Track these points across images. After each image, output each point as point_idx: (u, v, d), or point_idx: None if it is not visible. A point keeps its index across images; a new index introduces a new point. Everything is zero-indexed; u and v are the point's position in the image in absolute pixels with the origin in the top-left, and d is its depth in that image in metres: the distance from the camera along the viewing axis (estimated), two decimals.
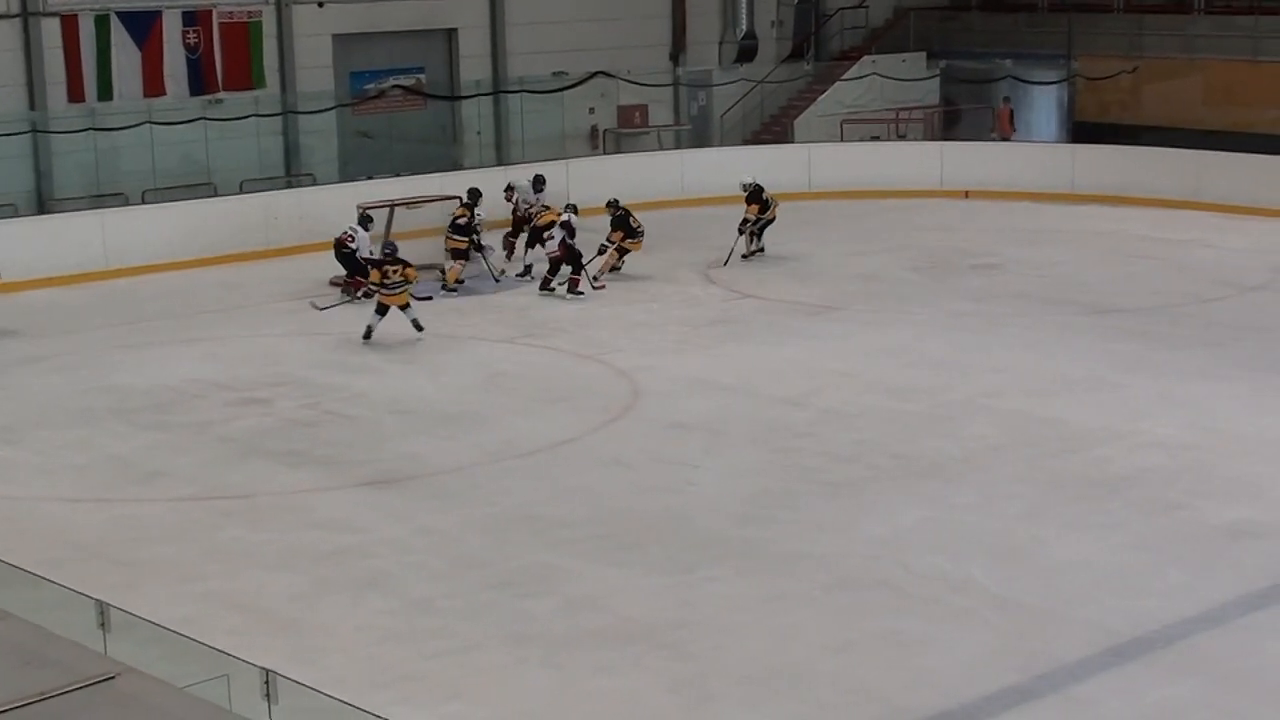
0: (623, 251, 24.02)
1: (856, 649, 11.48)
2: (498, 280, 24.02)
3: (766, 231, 25.70)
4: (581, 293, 22.94)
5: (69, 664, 7.19)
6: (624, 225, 24.00)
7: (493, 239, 24.84)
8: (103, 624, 8.38)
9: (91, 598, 8.65)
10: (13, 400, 18.45)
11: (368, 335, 20.44)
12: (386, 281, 20.42)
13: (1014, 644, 11.45)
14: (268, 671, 7.52)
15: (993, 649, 11.41)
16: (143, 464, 16.03)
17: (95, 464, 16.11)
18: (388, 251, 20.88)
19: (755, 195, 25.41)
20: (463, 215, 23.77)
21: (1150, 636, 11.57)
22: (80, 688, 6.93)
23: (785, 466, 15.55)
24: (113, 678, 7.01)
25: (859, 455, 15.72)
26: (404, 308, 20.50)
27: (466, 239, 23.67)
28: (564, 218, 23.16)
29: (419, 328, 20.47)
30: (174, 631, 8.71)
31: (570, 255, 22.96)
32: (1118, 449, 15.80)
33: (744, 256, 25.32)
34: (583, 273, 23.01)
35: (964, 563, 12.86)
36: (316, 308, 21.81)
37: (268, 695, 7.48)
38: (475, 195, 24.10)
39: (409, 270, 20.53)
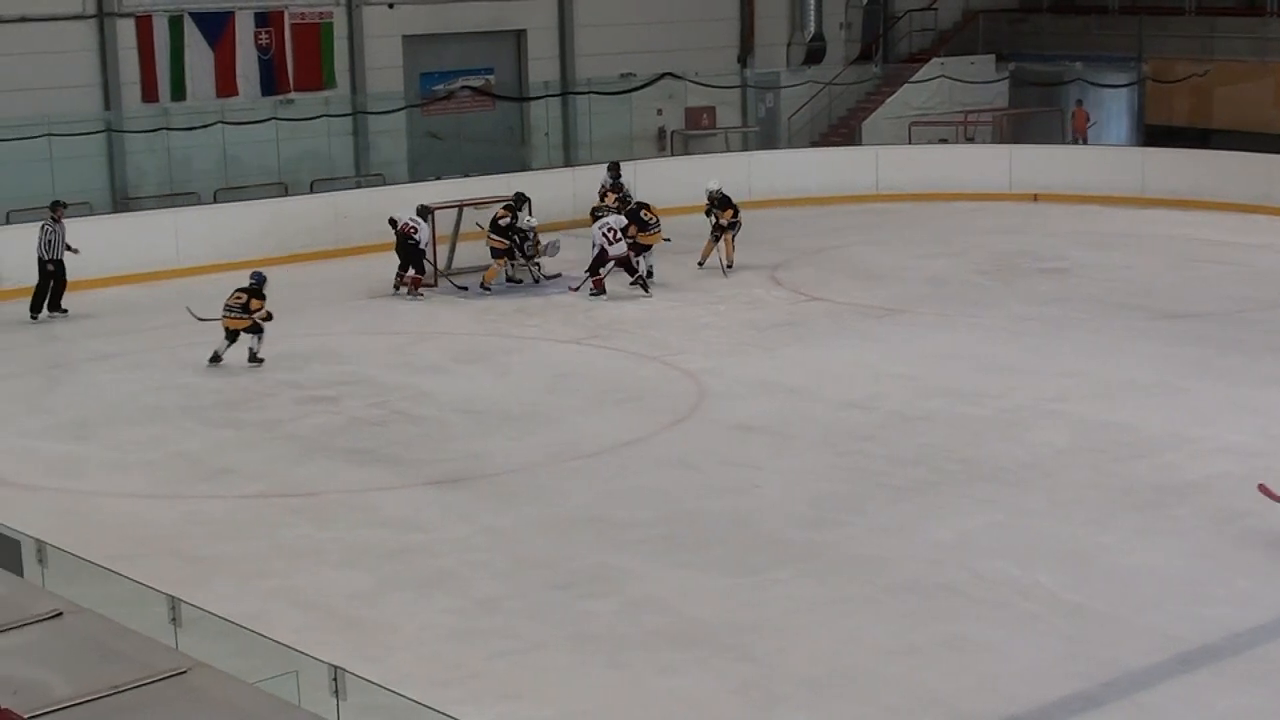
0: (638, 249, 23.61)
1: (921, 653, 11.45)
2: (536, 281, 24.08)
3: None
4: (649, 291, 23.22)
5: (141, 658, 7.26)
6: (635, 219, 23.78)
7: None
8: (174, 619, 8.46)
9: (163, 592, 8.75)
10: (85, 396, 18.69)
11: (215, 360, 19.51)
12: (227, 304, 19.55)
13: (1080, 650, 11.39)
14: (336, 668, 7.58)
15: (1059, 655, 11.35)
16: (212, 461, 16.19)
17: (166, 460, 16.29)
18: (253, 282, 19.74)
19: (727, 201, 24.79)
20: (504, 216, 23.87)
21: (1218, 644, 11.48)
22: (152, 682, 6.99)
23: (850, 469, 15.53)
24: (184, 672, 7.07)
25: (925, 459, 15.67)
26: (249, 331, 19.50)
27: (505, 239, 23.78)
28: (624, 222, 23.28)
29: (252, 358, 19.52)
30: (244, 627, 8.79)
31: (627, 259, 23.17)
32: (1186, 455, 15.68)
33: (700, 264, 24.87)
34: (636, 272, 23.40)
35: (1030, 568, 12.81)
36: (194, 315, 20.34)
37: (336, 691, 7.54)
38: (520, 199, 24.18)
39: (255, 302, 19.40)
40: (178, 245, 25.08)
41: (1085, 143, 34.38)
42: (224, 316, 19.53)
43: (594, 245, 23.17)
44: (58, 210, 22.66)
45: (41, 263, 22.41)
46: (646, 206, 24.24)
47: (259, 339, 19.53)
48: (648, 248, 23.88)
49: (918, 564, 13.04)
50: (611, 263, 23.10)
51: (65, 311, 22.55)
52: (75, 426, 17.51)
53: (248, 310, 19.38)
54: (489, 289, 23.80)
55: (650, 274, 23.86)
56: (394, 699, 7.68)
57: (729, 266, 24.58)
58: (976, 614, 12.06)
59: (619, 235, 23.03)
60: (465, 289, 23.54)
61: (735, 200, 25.06)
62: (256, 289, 19.59)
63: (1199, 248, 26.02)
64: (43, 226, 22.49)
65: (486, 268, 24.06)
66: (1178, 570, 12.84)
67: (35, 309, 22.44)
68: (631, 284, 23.34)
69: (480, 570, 13.12)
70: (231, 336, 19.50)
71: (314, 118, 28.97)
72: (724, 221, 24.67)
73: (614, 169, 26.75)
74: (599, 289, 23.22)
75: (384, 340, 21.18)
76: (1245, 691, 10.86)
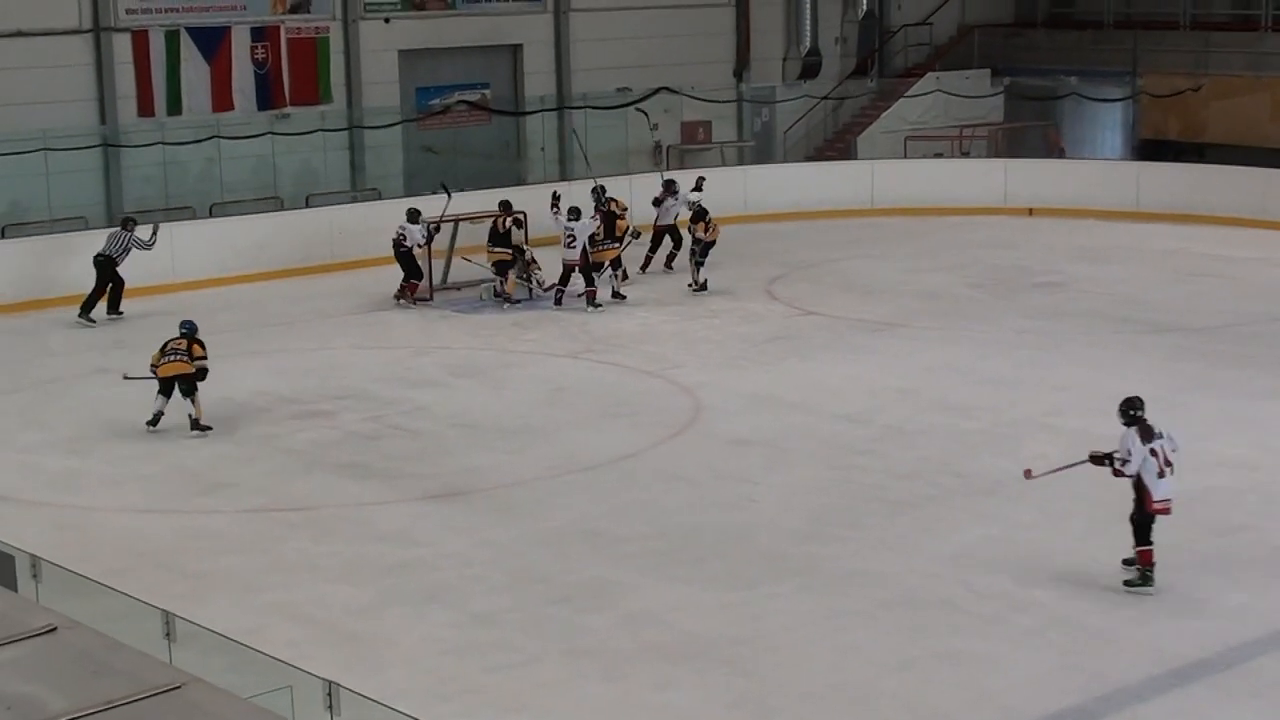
0: (595, 265, 23.51)
1: (917, 667, 11.45)
2: (531, 295, 23.99)
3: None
4: (600, 305, 23.15)
5: (135, 673, 7.25)
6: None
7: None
8: (168, 634, 8.47)
9: (158, 608, 8.76)
10: (83, 411, 18.66)
11: (154, 422, 17.49)
12: (166, 348, 17.53)
13: (1076, 664, 11.41)
14: (331, 683, 7.58)
15: (1054, 669, 11.36)
16: (209, 475, 16.18)
17: (163, 475, 16.28)
18: (185, 330, 17.75)
19: (701, 214, 24.42)
20: (503, 218, 23.78)
21: (1213, 658, 11.49)
22: (146, 697, 6.99)
23: (847, 484, 15.53)
24: (178, 687, 7.07)
25: (921, 473, 15.68)
26: (185, 392, 17.45)
27: (509, 249, 23.75)
28: (591, 228, 23.23)
29: (196, 425, 17.46)
30: (238, 642, 8.79)
31: (586, 265, 23.13)
32: (1182, 469, 15.64)
33: (690, 286, 24.30)
34: (596, 283, 23.36)
35: (1026, 582, 12.82)
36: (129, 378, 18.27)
37: (330, 707, 7.54)
38: (505, 208, 24.11)
39: (196, 348, 17.51)
40: (173, 259, 25.03)
41: (1060, 150, 34.71)
42: (165, 363, 17.47)
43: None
44: (129, 225, 23.40)
45: (107, 260, 22.99)
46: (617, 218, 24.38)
47: (195, 402, 17.50)
48: (601, 264, 23.70)
49: (914, 578, 13.05)
50: (574, 270, 23.12)
51: (121, 314, 23.15)
52: (73, 441, 17.50)
53: (190, 355, 17.50)
54: (517, 302, 23.70)
55: (616, 294, 23.72)
56: (389, 714, 7.68)
57: (697, 287, 24.24)
58: (973, 628, 12.07)
59: (574, 242, 23.00)
60: (505, 298, 23.69)
61: (724, 213, 24.88)
62: (192, 335, 17.68)
63: (1194, 261, 26.04)
64: (111, 234, 23.31)
65: (491, 281, 24.06)
66: (1173, 584, 12.84)
67: (87, 309, 22.93)
68: (579, 295, 23.33)
69: (477, 584, 13.12)
70: (167, 390, 17.53)
71: (310, 132, 28.98)
72: (699, 234, 24.40)
73: (670, 185, 26.24)
74: (556, 298, 23.31)
75: (380, 354, 21.18)
76: (1241, 705, 10.87)
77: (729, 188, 30.23)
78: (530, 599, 12.77)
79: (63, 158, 26.19)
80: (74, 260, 23.85)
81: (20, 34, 26.61)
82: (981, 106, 35.90)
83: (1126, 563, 12.86)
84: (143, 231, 23.41)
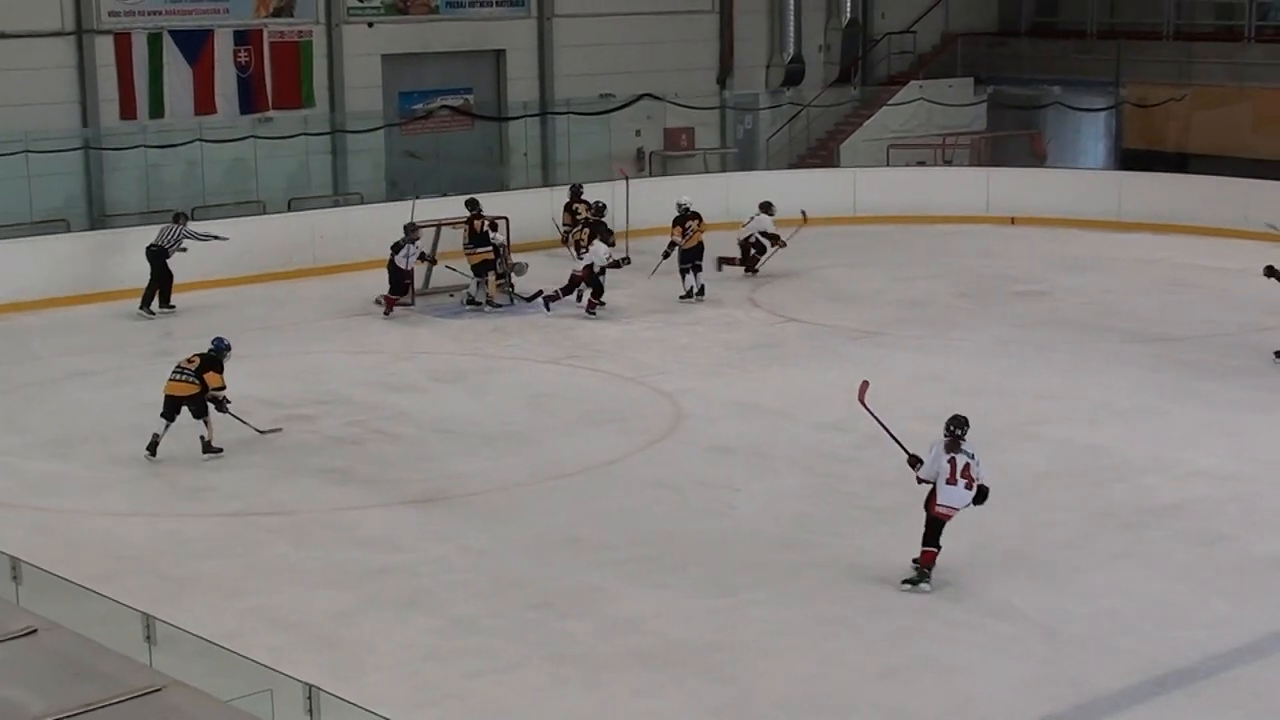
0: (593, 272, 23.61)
1: (898, 675, 11.46)
2: (511, 302, 23.97)
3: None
4: (594, 313, 23.16)
5: (115, 676, 7.26)
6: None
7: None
8: (149, 637, 8.45)
9: (138, 611, 8.73)
10: (64, 415, 18.61)
11: (152, 450, 16.48)
12: (179, 365, 16.54)
13: (1056, 673, 11.42)
14: (311, 687, 7.57)
15: (1034, 678, 11.37)
16: (191, 479, 16.14)
17: (144, 479, 16.23)
18: (212, 349, 16.68)
19: (682, 217, 24.42)
20: (480, 222, 23.77)
21: (1193, 667, 11.51)
22: (126, 700, 6.99)
23: (828, 491, 15.55)
24: (158, 690, 7.07)
25: (902, 481, 15.58)
26: (195, 413, 16.44)
27: (489, 248, 23.73)
28: (605, 252, 23.26)
29: (208, 448, 16.51)
30: (219, 646, 8.77)
31: (590, 277, 23.15)
32: (1163, 478, 15.73)
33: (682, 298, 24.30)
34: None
35: (1006, 591, 12.83)
36: (256, 429, 17.22)
37: (310, 711, 7.53)
38: (471, 205, 24.10)
39: (211, 375, 16.33)
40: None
41: (1044, 158, 34.86)
42: (170, 380, 16.51)
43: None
44: (179, 219, 23.97)
45: (160, 251, 23.44)
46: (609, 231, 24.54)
47: (208, 424, 16.51)
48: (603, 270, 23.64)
49: (894, 586, 13.04)
50: (581, 283, 23.16)
51: (173, 307, 23.55)
52: (54, 445, 17.43)
53: (200, 379, 16.39)
54: (499, 305, 23.74)
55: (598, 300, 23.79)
56: (369, 719, 7.67)
57: (685, 294, 24.30)
58: (952, 636, 12.09)
59: (580, 255, 23.10)
60: (481, 303, 23.77)
61: (707, 220, 24.86)
62: (215, 357, 16.55)
63: (1176, 271, 26.12)
64: (163, 228, 23.81)
65: (467, 285, 24.07)
66: (1153, 593, 12.88)
67: (146, 302, 23.43)
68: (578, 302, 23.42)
69: (458, 590, 13.10)
70: (170, 412, 16.48)
71: (292, 136, 28.90)
72: (674, 239, 24.36)
73: (767, 208, 26.01)
74: (546, 304, 23.37)
75: (362, 359, 21.14)
76: (1220, 715, 10.89)
77: (711, 194, 30.22)
78: (511, 605, 12.75)
79: (44, 160, 26.09)
80: (58, 263, 23.81)
81: (2, 35, 26.51)
82: (964, 115, 35.95)
83: (915, 561, 12.98)
84: (196, 225, 24.04)
